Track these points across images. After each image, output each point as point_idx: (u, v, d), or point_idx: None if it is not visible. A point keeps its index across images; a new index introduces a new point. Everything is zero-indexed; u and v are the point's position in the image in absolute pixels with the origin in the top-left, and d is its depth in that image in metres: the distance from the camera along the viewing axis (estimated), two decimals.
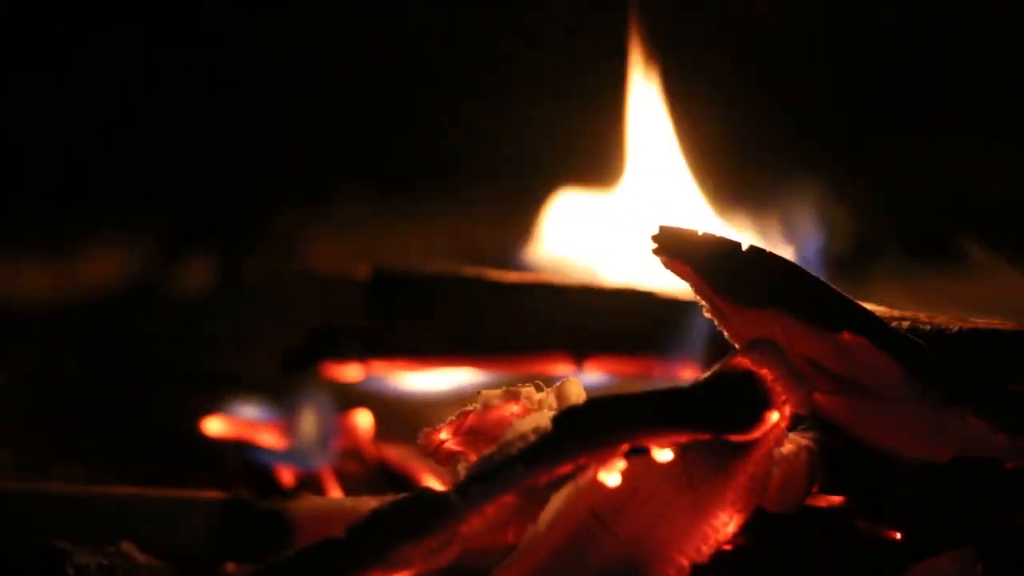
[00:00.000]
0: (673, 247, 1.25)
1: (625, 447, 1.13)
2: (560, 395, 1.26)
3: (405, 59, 2.69)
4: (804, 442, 1.24)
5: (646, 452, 1.14)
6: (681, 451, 1.17)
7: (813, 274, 1.24)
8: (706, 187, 1.97)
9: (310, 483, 1.92)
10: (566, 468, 1.12)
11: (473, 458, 1.22)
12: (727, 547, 1.21)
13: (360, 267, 2.11)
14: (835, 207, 1.78)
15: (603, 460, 1.14)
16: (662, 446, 1.15)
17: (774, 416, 1.18)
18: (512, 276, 2.01)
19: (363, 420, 1.98)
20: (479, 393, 1.28)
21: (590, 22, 2.55)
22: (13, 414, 2.18)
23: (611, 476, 1.15)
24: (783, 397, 1.18)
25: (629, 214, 2.06)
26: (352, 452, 1.96)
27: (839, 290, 1.23)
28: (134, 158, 2.66)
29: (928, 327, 1.28)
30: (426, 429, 1.29)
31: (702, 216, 1.95)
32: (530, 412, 1.25)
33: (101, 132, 2.66)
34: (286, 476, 1.94)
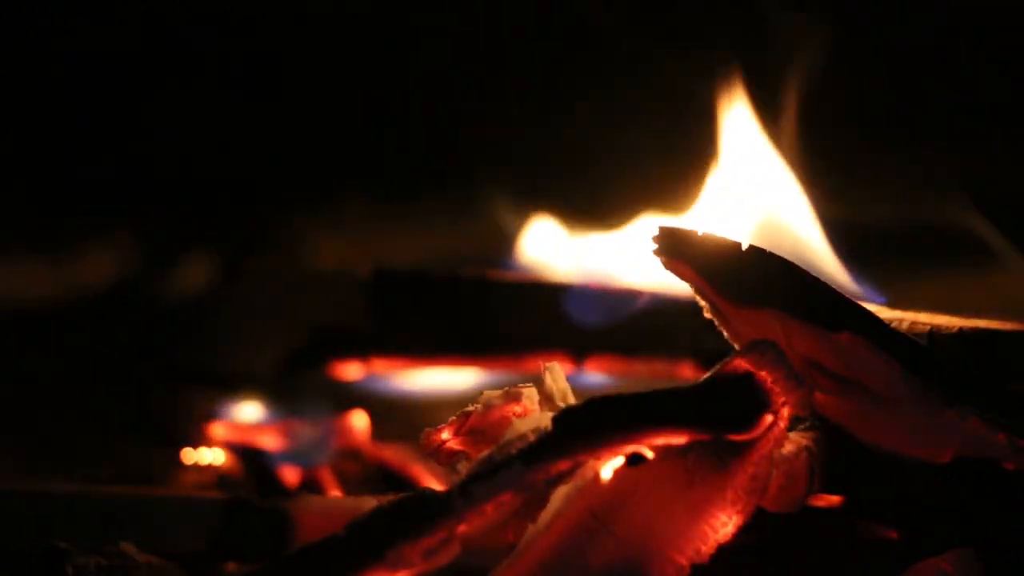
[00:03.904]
0: (673, 247, 1.25)
1: (625, 447, 1.13)
2: (539, 386, 1.27)
3: (406, 58, 2.69)
4: (804, 442, 1.24)
5: (644, 460, 1.13)
6: (681, 451, 1.17)
7: (812, 274, 1.24)
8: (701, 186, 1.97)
9: (310, 483, 1.92)
10: (565, 467, 1.12)
11: (474, 458, 1.22)
12: (727, 547, 1.21)
13: (361, 267, 2.11)
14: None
15: (603, 459, 1.14)
16: (661, 446, 1.15)
17: (774, 417, 1.18)
18: (512, 276, 2.02)
19: (359, 420, 1.98)
20: (480, 393, 1.28)
21: (590, 20, 2.55)
22: (13, 414, 2.18)
23: (609, 473, 1.15)
24: (782, 399, 1.18)
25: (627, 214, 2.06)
26: (351, 452, 1.96)
27: (838, 290, 1.23)
28: (134, 157, 2.67)
29: (928, 327, 1.28)
30: (427, 429, 1.30)
31: (697, 217, 1.95)
32: (531, 412, 1.26)
33: (101, 131, 2.66)
34: (287, 476, 1.94)
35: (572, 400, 1.28)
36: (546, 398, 1.27)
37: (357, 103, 2.70)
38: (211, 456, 1.98)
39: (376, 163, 2.73)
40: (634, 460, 1.13)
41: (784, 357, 1.18)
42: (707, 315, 1.30)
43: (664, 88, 2.39)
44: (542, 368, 1.29)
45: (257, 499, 1.55)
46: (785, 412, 1.18)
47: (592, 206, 2.10)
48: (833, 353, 1.22)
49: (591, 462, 1.14)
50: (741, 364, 1.18)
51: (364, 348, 2.04)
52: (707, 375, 1.18)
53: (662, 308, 1.89)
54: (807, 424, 1.27)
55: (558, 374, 1.28)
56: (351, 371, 2.06)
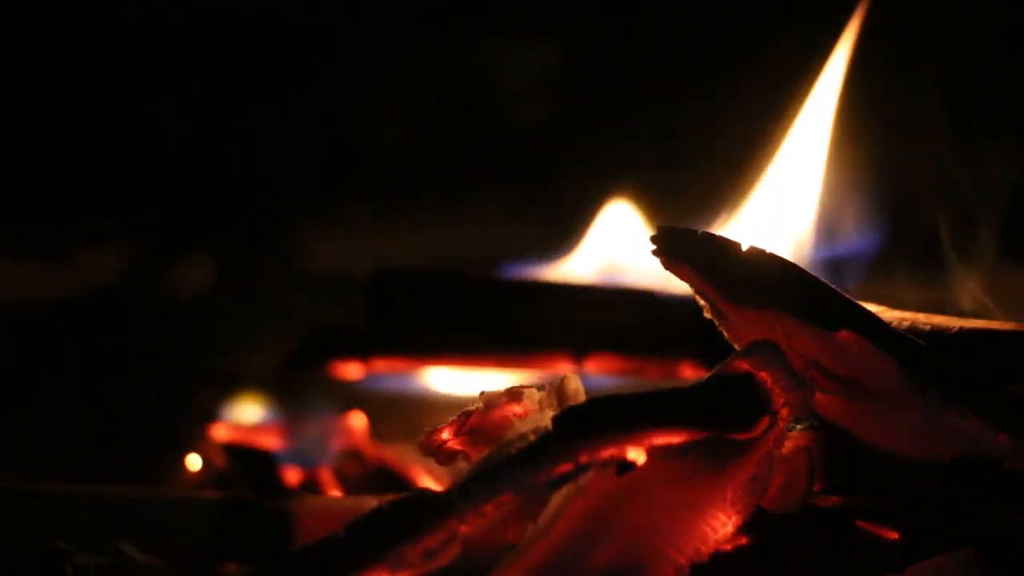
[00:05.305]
0: (673, 247, 1.25)
1: (625, 447, 1.13)
2: (559, 392, 1.26)
3: (406, 58, 2.69)
4: (804, 442, 1.24)
5: (633, 468, 1.13)
6: (681, 451, 1.17)
7: (812, 274, 1.24)
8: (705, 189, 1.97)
9: (310, 483, 1.92)
10: (566, 468, 1.12)
11: (475, 458, 1.22)
12: (726, 547, 1.21)
13: (361, 267, 2.11)
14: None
15: (603, 460, 1.14)
16: (661, 446, 1.15)
17: (774, 418, 1.18)
18: (512, 276, 2.02)
19: (358, 421, 1.98)
20: (481, 393, 1.28)
21: (588, 22, 2.55)
22: (13, 414, 2.18)
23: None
24: (782, 399, 1.18)
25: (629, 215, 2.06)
26: (351, 452, 1.97)
27: (838, 290, 1.23)
28: (133, 157, 2.67)
29: (928, 327, 1.28)
30: (428, 429, 1.30)
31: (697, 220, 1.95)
32: (532, 413, 1.26)
33: (101, 131, 2.66)
34: (287, 476, 1.94)
35: None
36: (562, 401, 1.27)
37: (357, 103, 2.70)
38: (212, 458, 1.98)
39: (376, 164, 2.73)
40: (624, 468, 1.13)
41: (784, 358, 1.18)
42: (707, 315, 1.30)
43: (667, 87, 2.40)
44: (563, 376, 1.28)
45: (257, 499, 1.56)
46: (785, 413, 1.18)
47: (591, 206, 2.10)
48: (833, 353, 1.22)
49: (591, 463, 1.14)
50: (741, 365, 1.18)
51: (364, 348, 2.04)
52: (707, 375, 1.18)
53: (662, 308, 1.89)
54: (807, 424, 1.27)
55: (578, 384, 1.28)
56: (351, 371, 2.06)
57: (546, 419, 1.14)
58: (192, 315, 2.51)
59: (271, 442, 1.99)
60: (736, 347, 1.26)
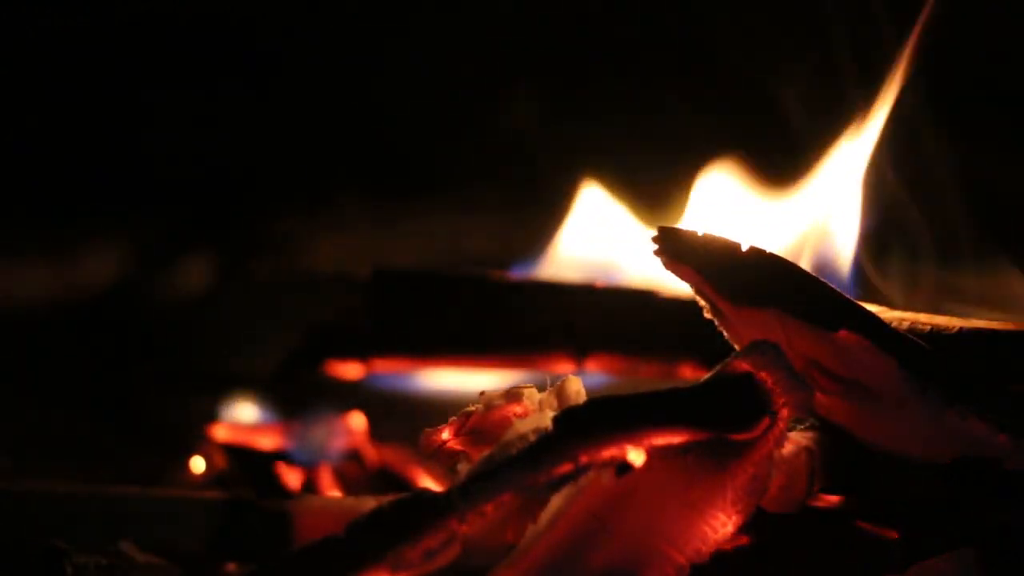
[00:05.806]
0: (673, 247, 1.25)
1: (625, 447, 1.13)
2: (560, 393, 1.26)
3: (405, 59, 2.69)
4: (804, 442, 1.24)
5: (631, 469, 1.13)
6: (681, 451, 1.17)
7: (812, 274, 1.24)
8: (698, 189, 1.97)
9: (310, 483, 1.92)
10: (566, 468, 1.12)
11: (475, 458, 1.22)
12: (727, 547, 1.21)
13: (360, 267, 2.11)
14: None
15: (603, 460, 1.14)
16: (661, 446, 1.15)
17: (774, 418, 1.18)
18: (512, 276, 2.02)
19: (357, 421, 1.98)
20: (481, 393, 1.28)
21: (591, 21, 2.55)
22: (13, 414, 2.18)
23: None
24: (782, 399, 1.18)
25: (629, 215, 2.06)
26: (352, 453, 1.96)
27: (839, 290, 1.23)
28: (134, 158, 2.67)
29: (928, 327, 1.29)
30: (428, 429, 1.30)
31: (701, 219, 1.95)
32: (532, 413, 1.26)
33: (101, 131, 2.66)
34: (287, 476, 1.94)
35: None
36: (563, 403, 1.27)
37: (356, 103, 2.70)
38: (212, 459, 1.98)
39: (375, 164, 2.73)
40: (622, 469, 1.13)
41: (784, 358, 1.18)
42: (707, 315, 1.30)
43: (665, 88, 2.40)
44: (565, 377, 1.28)
45: (257, 499, 1.56)
46: (785, 413, 1.18)
47: (592, 206, 2.10)
48: (833, 353, 1.22)
49: (591, 463, 1.14)
50: (741, 365, 1.18)
51: (364, 348, 2.04)
52: (707, 375, 1.18)
53: (662, 308, 1.89)
54: (807, 424, 1.27)
55: (579, 385, 1.28)
56: (351, 371, 2.06)
57: (546, 419, 1.14)
58: (191, 315, 2.51)
59: (271, 442, 1.99)
60: (736, 347, 1.26)
